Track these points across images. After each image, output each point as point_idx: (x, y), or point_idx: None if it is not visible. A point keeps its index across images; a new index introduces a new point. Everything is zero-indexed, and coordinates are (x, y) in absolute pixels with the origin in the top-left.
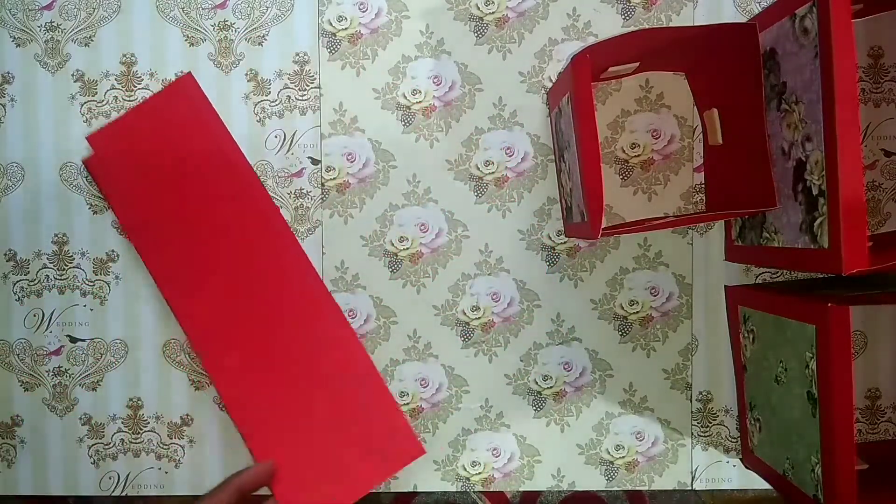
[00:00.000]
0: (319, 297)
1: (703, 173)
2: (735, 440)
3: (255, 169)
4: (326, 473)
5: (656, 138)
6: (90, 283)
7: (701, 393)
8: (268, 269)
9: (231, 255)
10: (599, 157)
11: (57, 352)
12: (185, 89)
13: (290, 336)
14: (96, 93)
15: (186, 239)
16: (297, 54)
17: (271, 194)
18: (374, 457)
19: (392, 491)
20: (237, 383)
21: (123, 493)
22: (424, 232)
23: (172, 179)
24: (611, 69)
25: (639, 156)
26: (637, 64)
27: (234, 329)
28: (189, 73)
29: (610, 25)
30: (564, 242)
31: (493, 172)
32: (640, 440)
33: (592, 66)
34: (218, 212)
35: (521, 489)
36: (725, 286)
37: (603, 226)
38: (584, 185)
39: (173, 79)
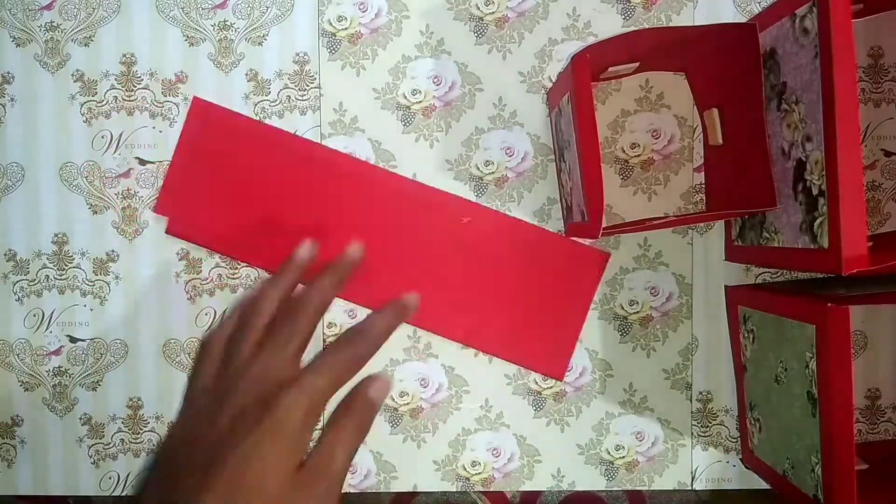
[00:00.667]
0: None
1: (703, 173)
2: (735, 440)
3: None
4: (544, 328)
5: (656, 138)
6: (90, 283)
7: (701, 393)
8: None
9: (339, 219)
10: (599, 157)
11: (57, 352)
12: (203, 114)
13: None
14: (96, 93)
15: (295, 231)
16: (297, 54)
17: None
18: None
19: (392, 491)
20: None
21: (123, 493)
22: None
23: (247, 193)
24: (611, 69)
25: (639, 156)
26: (637, 64)
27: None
28: (195, 97)
29: (610, 25)
30: None
31: (493, 172)
32: (640, 440)
33: (592, 65)
34: (303, 191)
35: (521, 489)
36: (725, 286)
37: (603, 226)
38: (584, 184)
39: (173, 79)
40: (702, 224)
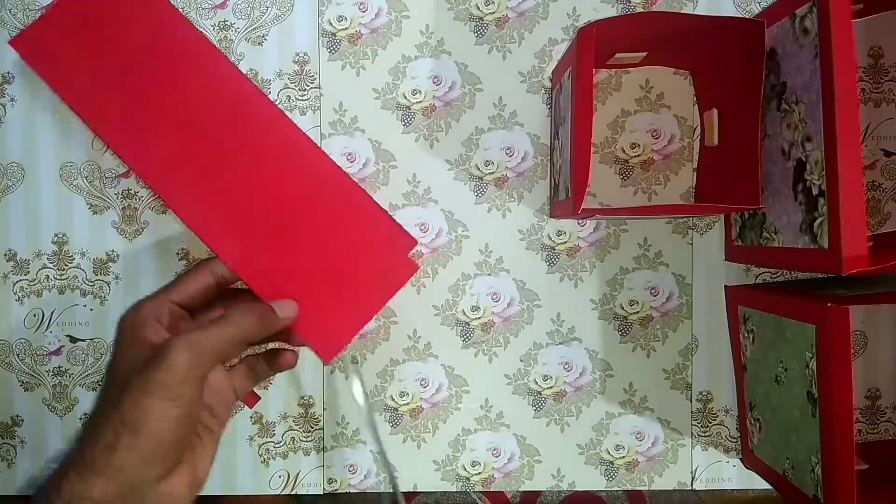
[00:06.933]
0: (301, 145)
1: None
2: (735, 440)
3: None
4: (333, 307)
5: (656, 138)
6: (90, 283)
7: (701, 393)
8: (240, 127)
9: (204, 125)
10: (591, 132)
11: (57, 352)
12: None
13: (274, 187)
14: None
15: (155, 121)
16: (297, 54)
17: None
18: (373, 281)
19: (392, 491)
20: (236, 244)
21: None
22: (424, 232)
23: (125, 63)
24: (617, 55)
25: (639, 156)
26: (644, 54)
27: (225, 199)
28: None
29: None
30: (564, 242)
31: (493, 172)
32: (640, 440)
33: (599, 44)
34: (182, 85)
35: (521, 489)
36: (725, 286)
37: (586, 205)
38: (572, 158)
39: None
40: (702, 224)
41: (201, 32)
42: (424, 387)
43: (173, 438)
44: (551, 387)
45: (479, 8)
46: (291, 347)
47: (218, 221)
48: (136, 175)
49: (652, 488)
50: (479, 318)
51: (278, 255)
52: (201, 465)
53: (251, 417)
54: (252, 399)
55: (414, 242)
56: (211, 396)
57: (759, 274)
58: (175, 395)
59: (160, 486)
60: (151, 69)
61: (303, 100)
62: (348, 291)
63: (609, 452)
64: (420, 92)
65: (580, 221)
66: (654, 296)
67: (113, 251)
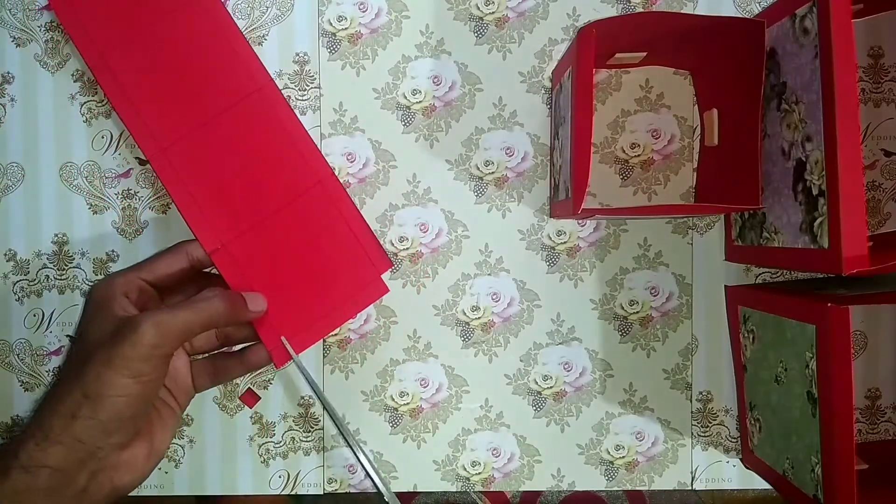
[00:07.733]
0: (299, 141)
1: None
2: (735, 440)
3: None
4: (296, 314)
5: (656, 138)
6: (90, 284)
7: (701, 393)
8: (239, 108)
9: (211, 105)
10: (591, 132)
11: (57, 352)
12: None
13: (269, 184)
14: (96, 92)
15: (166, 91)
16: (297, 54)
17: None
18: (341, 296)
19: (392, 491)
20: (218, 231)
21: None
22: (424, 232)
23: (150, 27)
24: (617, 55)
25: (639, 156)
26: (644, 54)
27: (216, 184)
28: None
29: None
30: (564, 242)
31: (493, 172)
32: (640, 440)
33: (599, 44)
34: (201, 63)
35: (521, 489)
36: (725, 286)
37: (586, 205)
38: (572, 158)
39: None
40: (702, 224)
41: (232, 18)
42: (424, 387)
43: (132, 412)
44: (551, 387)
45: (479, 8)
46: (256, 342)
47: (205, 205)
48: (132, 136)
49: (652, 488)
50: (479, 318)
51: (256, 252)
52: (160, 438)
53: (251, 417)
54: (252, 399)
55: (390, 265)
56: (171, 382)
57: (759, 274)
58: (137, 371)
59: (118, 455)
60: (174, 39)
61: (303, 100)
62: (315, 301)
63: (609, 452)
64: (420, 92)
65: (580, 221)
66: (654, 296)
67: (113, 251)
